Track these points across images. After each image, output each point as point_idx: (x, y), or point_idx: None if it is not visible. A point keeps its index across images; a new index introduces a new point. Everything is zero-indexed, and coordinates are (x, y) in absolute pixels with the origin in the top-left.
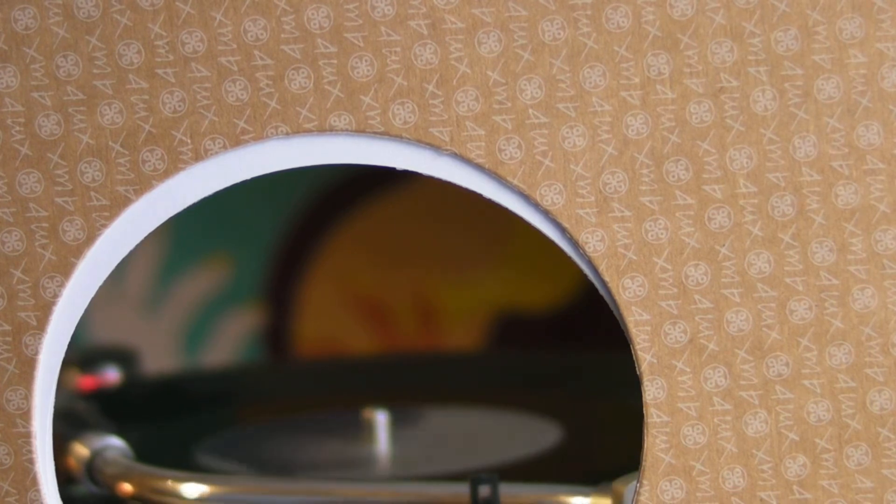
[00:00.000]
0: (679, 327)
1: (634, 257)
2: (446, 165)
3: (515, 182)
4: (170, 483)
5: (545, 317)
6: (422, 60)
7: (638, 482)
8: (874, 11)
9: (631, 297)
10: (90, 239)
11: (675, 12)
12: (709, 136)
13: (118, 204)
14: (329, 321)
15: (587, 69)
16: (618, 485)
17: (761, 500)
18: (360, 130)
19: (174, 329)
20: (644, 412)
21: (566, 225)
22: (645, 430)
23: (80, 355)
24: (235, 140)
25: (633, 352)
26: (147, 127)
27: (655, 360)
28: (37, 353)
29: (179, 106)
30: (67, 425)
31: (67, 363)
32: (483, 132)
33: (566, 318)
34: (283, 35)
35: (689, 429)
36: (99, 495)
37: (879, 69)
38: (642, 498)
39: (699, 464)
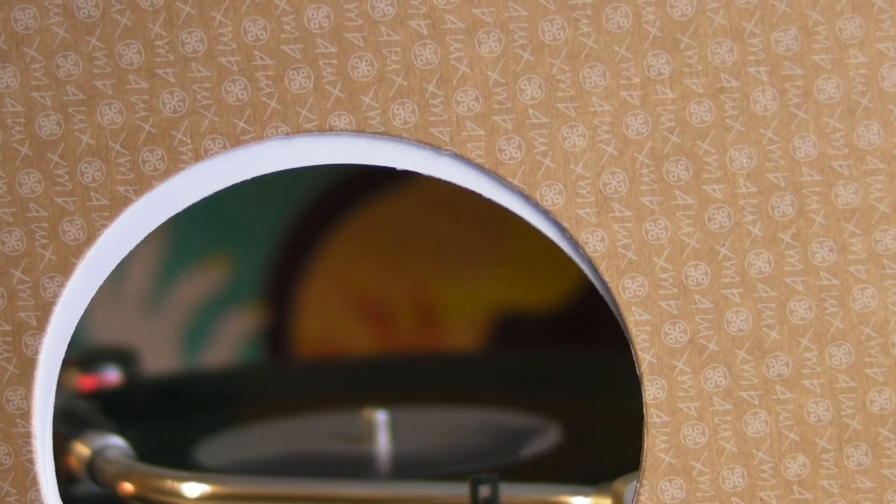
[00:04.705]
0: (679, 327)
1: (634, 257)
2: (446, 165)
3: (515, 182)
4: (170, 483)
5: (545, 317)
6: (422, 60)
7: (638, 482)
8: (874, 11)
9: (631, 297)
10: (90, 239)
11: (675, 12)
12: (709, 136)
13: (118, 204)
14: (329, 321)
15: (587, 69)
16: (618, 485)
17: (761, 500)
18: (360, 130)
19: (174, 329)
20: (644, 412)
21: (566, 225)
22: (645, 430)
23: (80, 355)
24: (235, 140)
25: (633, 352)
26: (147, 127)
27: (655, 360)
28: (37, 353)
29: (179, 106)
30: (68, 425)
31: (67, 363)
32: (483, 132)
33: (566, 318)
34: (283, 35)
35: (689, 429)
36: (100, 495)
37: (879, 69)
38: (642, 498)
39: (699, 464)
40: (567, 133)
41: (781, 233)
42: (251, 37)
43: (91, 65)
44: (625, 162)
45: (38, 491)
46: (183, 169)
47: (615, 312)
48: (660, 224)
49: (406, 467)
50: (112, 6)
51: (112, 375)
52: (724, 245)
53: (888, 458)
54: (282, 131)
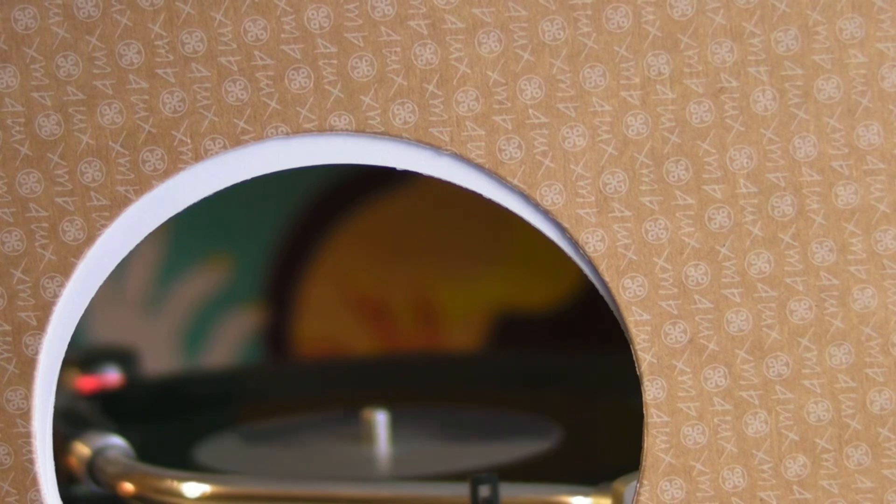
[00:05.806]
0: (679, 327)
1: (634, 257)
2: (446, 165)
3: (515, 182)
4: (171, 483)
5: (545, 317)
6: (422, 60)
7: (638, 482)
8: (874, 11)
9: (631, 297)
10: (90, 239)
11: (675, 12)
12: (709, 136)
13: (118, 204)
14: (329, 321)
15: (587, 69)
16: (618, 485)
17: (761, 500)
18: (360, 130)
19: (174, 329)
20: (644, 412)
21: (566, 225)
22: (645, 430)
23: (80, 355)
24: (235, 140)
25: (633, 352)
26: (147, 127)
27: (655, 360)
28: (37, 353)
29: (179, 106)
30: (68, 425)
31: (67, 363)
32: (483, 132)
33: (566, 318)
34: (283, 35)
35: (689, 429)
36: (100, 495)
37: (879, 69)
38: (642, 498)
39: (699, 464)
40: (567, 133)
41: (781, 233)
42: (251, 37)
43: (91, 65)
44: (625, 162)
45: (38, 491)
46: (183, 169)
47: (615, 312)
48: (660, 224)
49: (406, 467)
50: (112, 6)
51: (112, 375)
52: (724, 245)
53: (888, 458)
54: (282, 131)
